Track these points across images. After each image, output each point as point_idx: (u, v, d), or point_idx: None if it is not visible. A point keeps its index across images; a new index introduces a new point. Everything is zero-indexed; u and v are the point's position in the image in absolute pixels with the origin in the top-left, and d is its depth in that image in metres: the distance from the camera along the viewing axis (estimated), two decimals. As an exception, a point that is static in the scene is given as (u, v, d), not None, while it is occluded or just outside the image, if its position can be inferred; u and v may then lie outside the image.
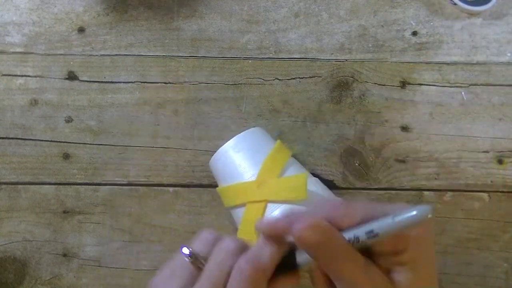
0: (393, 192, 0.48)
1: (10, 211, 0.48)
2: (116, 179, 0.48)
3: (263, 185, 0.38)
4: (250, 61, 0.50)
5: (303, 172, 0.40)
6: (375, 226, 0.25)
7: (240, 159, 0.40)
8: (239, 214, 0.40)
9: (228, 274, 0.27)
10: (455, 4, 0.50)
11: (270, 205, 0.38)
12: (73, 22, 0.51)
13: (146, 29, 0.50)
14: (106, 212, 0.48)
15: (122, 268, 0.47)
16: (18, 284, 0.47)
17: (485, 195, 0.48)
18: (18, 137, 0.49)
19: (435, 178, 0.48)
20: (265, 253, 0.27)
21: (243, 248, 0.28)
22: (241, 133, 0.42)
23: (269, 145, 0.42)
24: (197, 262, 0.29)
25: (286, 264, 0.27)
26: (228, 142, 0.41)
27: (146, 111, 0.49)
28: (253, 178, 0.39)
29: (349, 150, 0.48)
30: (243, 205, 0.39)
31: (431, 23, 0.50)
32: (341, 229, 0.26)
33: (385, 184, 0.48)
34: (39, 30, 0.50)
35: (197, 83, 0.50)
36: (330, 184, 0.48)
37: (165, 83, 0.50)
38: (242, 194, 0.39)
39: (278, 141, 0.43)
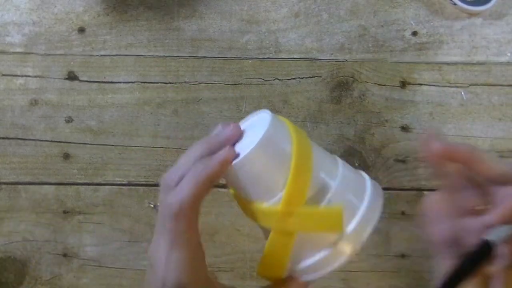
0: (393, 192, 0.48)
1: (10, 211, 0.48)
2: (116, 179, 0.48)
3: (290, 215, 0.32)
4: (250, 61, 0.50)
5: (337, 205, 0.33)
6: None
7: (259, 177, 0.33)
8: (264, 229, 0.35)
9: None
10: (455, 4, 0.50)
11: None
12: (73, 22, 0.51)
13: (146, 29, 0.50)
14: (106, 212, 0.48)
15: (122, 268, 0.48)
16: (18, 284, 0.47)
17: (485, 195, 0.48)
18: (18, 137, 0.49)
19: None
20: (185, 193, 0.32)
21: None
22: (256, 145, 0.33)
23: (283, 151, 0.34)
24: None
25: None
26: (253, 149, 0.33)
27: (146, 111, 0.49)
28: (274, 201, 0.33)
29: (349, 150, 0.48)
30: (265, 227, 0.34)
31: (431, 23, 0.50)
32: None
33: (385, 184, 0.48)
34: (39, 30, 0.50)
35: (197, 83, 0.50)
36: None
37: (165, 83, 0.50)
38: (264, 218, 0.34)
39: (295, 146, 0.34)
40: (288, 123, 0.36)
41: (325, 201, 0.33)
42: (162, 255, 0.33)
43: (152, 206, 0.37)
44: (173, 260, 0.33)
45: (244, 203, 0.35)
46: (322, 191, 0.33)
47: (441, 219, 0.33)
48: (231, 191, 0.37)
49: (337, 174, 0.34)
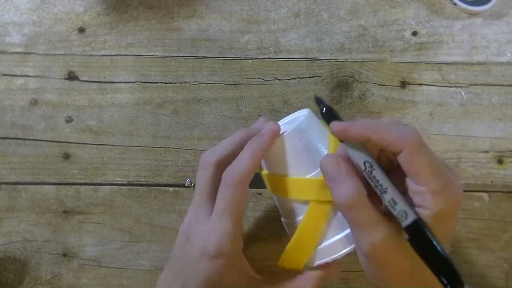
0: (393, 192, 0.48)
1: (10, 211, 0.48)
2: (116, 179, 0.48)
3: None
4: (250, 61, 0.50)
5: None
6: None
7: (303, 151, 0.37)
8: (294, 207, 0.38)
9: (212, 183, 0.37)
10: (455, 4, 0.50)
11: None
12: (73, 22, 0.51)
13: (146, 29, 0.50)
14: (106, 212, 0.48)
15: (122, 268, 0.48)
16: (18, 284, 0.47)
17: (485, 195, 0.48)
18: (18, 137, 0.49)
19: (435, 178, 0.48)
20: (243, 165, 0.35)
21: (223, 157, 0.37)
22: (303, 120, 0.37)
23: (324, 133, 0.39)
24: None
25: None
26: (292, 130, 0.37)
27: (146, 111, 0.49)
28: (314, 174, 0.36)
29: (349, 150, 0.48)
30: (303, 201, 0.37)
31: (431, 23, 0.50)
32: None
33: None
34: (39, 30, 0.50)
35: (197, 83, 0.50)
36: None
37: (165, 83, 0.50)
38: (304, 190, 0.37)
39: (330, 133, 0.38)
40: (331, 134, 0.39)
41: None
42: (205, 224, 0.36)
43: (193, 184, 0.42)
44: (219, 226, 0.35)
45: (279, 180, 0.38)
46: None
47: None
48: (263, 172, 0.40)
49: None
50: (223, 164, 0.37)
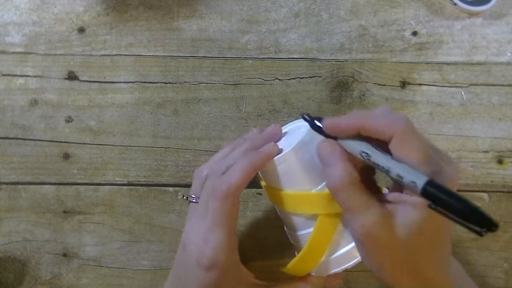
0: (393, 192, 0.48)
1: (10, 211, 0.48)
2: (116, 179, 0.48)
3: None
4: (250, 61, 0.50)
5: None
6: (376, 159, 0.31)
7: (308, 164, 0.36)
8: (303, 222, 0.37)
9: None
10: (455, 4, 0.50)
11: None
12: (73, 22, 0.51)
13: (146, 29, 0.50)
14: (106, 212, 0.48)
15: (122, 268, 0.48)
16: (18, 284, 0.47)
17: (485, 195, 0.48)
18: (18, 137, 0.49)
19: (435, 178, 0.48)
20: (233, 179, 0.35)
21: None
22: (305, 133, 0.36)
23: None
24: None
25: None
26: (296, 144, 0.36)
27: (146, 111, 0.49)
28: (320, 188, 0.36)
29: (349, 150, 0.48)
30: (311, 215, 0.36)
31: (431, 23, 0.50)
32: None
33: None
34: (39, 30, 0.50)
35: (197, 83, 0.50)
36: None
37: (165, 83, 0.50)
38: (311, 204, 0.36)
39: None
40: None
41: None
42: (200, 235, 0.36)
43: (185, 198, 0.42)
44: (211, 238, 0.35)
45: (285, 196, 0.37)
46: None
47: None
48: (265, 187, 0.39)
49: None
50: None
